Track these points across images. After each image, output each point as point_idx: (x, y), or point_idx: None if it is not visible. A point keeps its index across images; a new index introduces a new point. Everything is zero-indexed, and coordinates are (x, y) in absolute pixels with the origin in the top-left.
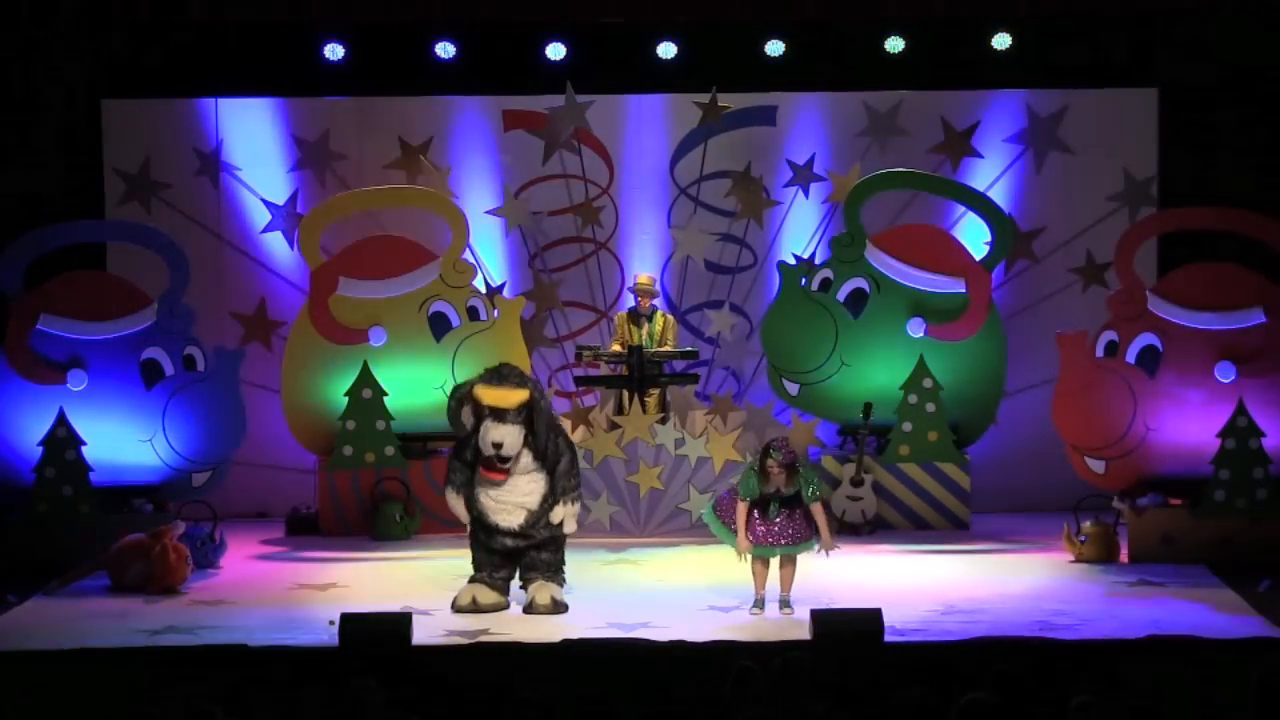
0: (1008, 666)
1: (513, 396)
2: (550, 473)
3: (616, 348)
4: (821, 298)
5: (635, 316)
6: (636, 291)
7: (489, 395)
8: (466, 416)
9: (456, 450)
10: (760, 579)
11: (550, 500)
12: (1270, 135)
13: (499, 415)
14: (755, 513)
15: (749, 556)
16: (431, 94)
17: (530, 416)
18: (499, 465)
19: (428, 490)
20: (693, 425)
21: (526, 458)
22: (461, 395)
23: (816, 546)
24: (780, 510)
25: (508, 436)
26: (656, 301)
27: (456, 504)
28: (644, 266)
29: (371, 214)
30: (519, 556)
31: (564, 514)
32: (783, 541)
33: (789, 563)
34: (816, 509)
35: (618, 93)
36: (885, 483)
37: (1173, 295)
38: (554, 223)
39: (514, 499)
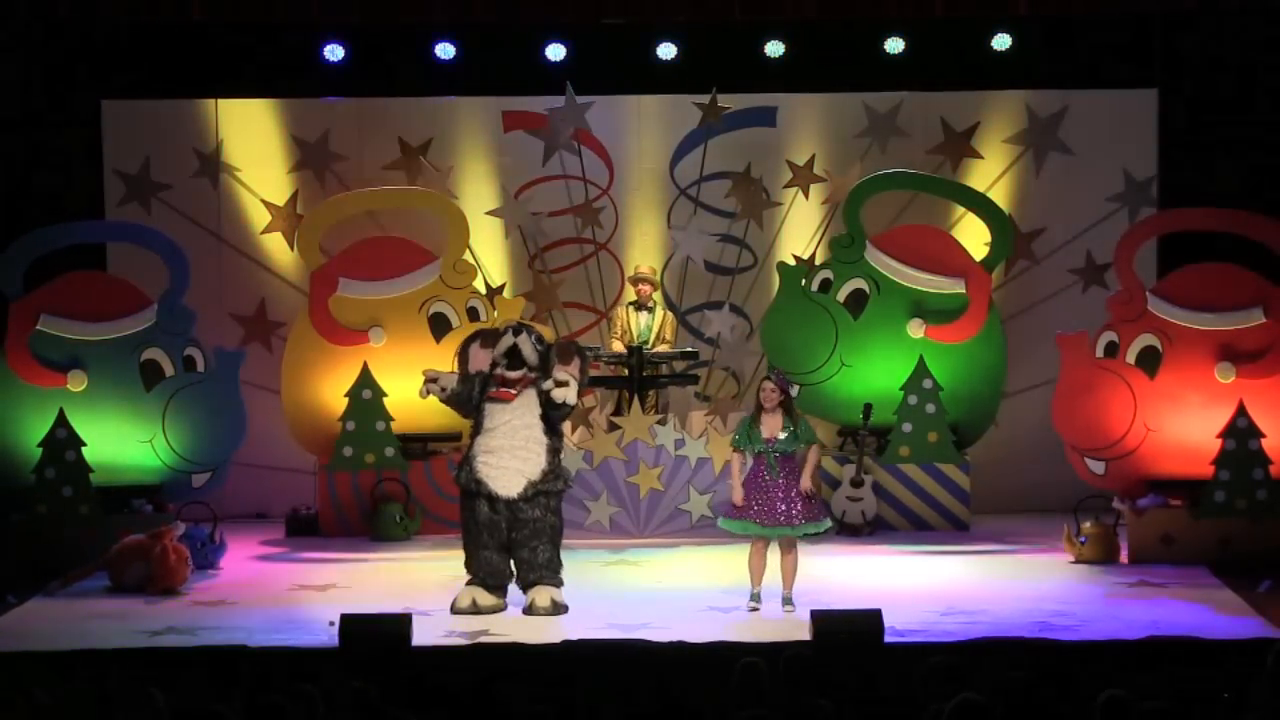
0: (1005, 668)
1: (538, 326)
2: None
3: (616, 345)
4: (821, 298)
5: (636, 306)
6: (633, 280)
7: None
8: (476, 356)
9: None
10: (758, 571)
11: (548, 472)
12: (1269, 136)
13: (520, 328)
14: (756, 482)
15: (750, 548)
16: (431, 95)
17: (547, 359)
18: (510, 373)
19: (428, 491)
20: (692, 426)
21: (532, 403)
22: (483, 330)
23: (820, 530)
24: (779, 470)
25: (525, 339)
26: (656, 295)
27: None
28: (645, 261)
29: (371, 215)
30: (513, 549)
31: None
32: (780, 521)
33: (790, 553)
34: (812, 452)
35: (618, 93)
36: (885, 483)
37: (1172, 296)
38: (554, 223)
39: (514, 464)
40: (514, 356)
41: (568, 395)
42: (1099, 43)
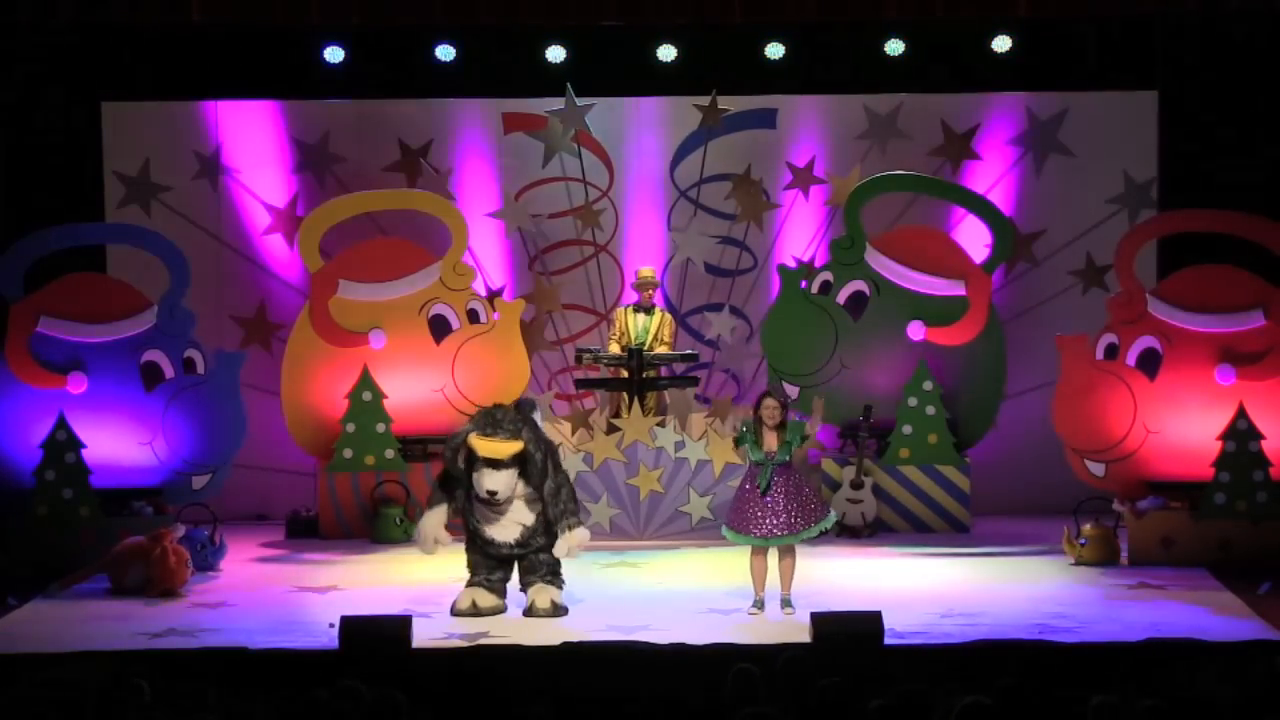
0: (1007, 671)
1: (506, 448)
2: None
3: (615, 348)
4: (821, 300)
5: (636, 308)
6: (639, 285)
7: (483, 447)
8: (461, 460)
9: (443, 478)
10: (759, 579)
11: (544, 518)
12: (1269, 138)
13: (493, 464)
14: (751, 496)
15: (750, 553)
16: (431, 96)
17: (524, 462)
18: (493, 506)
19: (428, 493)
20: (692, 428)
21: (521, 488)
22: (456, 446)
23: (816, 534)
24: (776, 482)
25: (501, 484)
26: (655, 297)
27: (428, 521)
28: (644, 263)
29: (371, 217)
30: (517, 560)
31: (566, 544)
32: (779, 531)
33: (788, 555)
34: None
35: (617, 95)
36: (885, 485)
37: (1172, 298)
38: (554, 225)
39: (511, 516)
40: (493, 494)
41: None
42: (1099, 45)
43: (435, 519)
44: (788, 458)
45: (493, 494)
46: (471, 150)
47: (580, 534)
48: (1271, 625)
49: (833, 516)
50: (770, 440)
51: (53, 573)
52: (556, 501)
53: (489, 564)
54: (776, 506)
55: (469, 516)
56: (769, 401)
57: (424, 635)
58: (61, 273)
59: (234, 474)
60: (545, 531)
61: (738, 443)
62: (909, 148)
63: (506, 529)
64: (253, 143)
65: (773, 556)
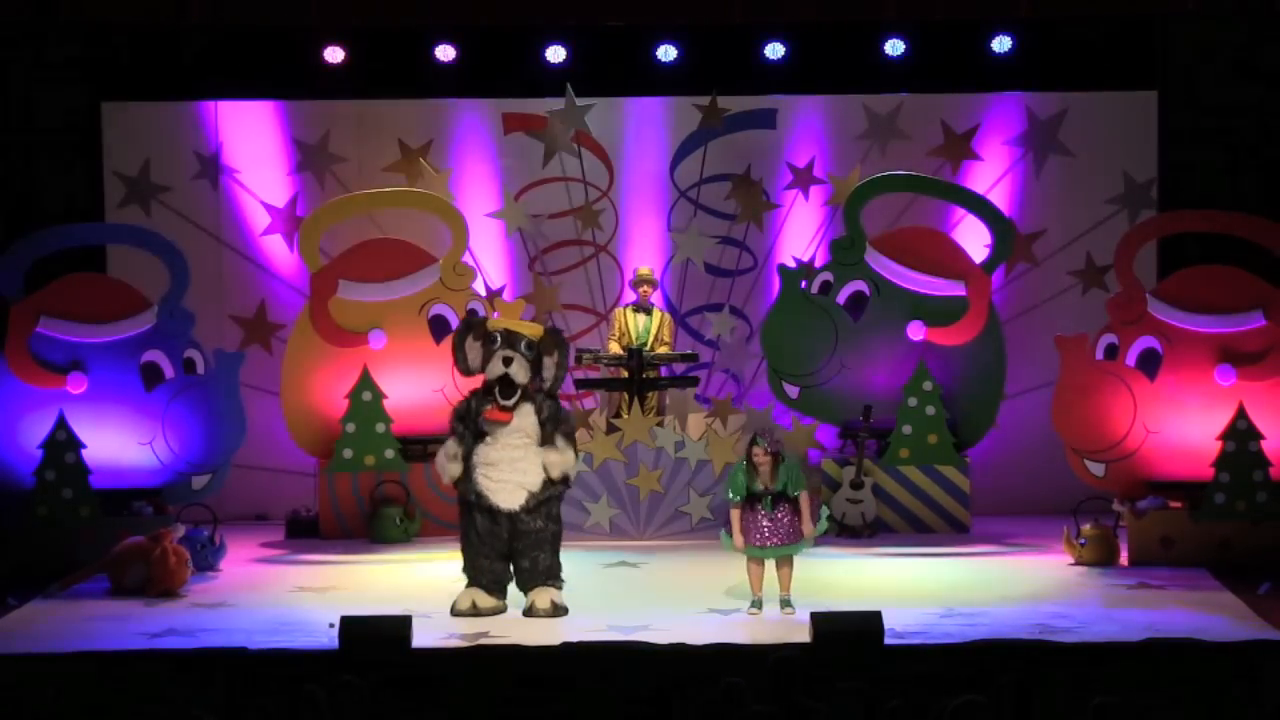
0: (1007, 671)
1: (526, 327)
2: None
3: (614, 347)
4: (821, 301)
5: (635, 308)
6: (637, 283)
7: (502, 323)
8: (472, 350)
9: (457, 413)
10: (756, 579)
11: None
12: (1269, 138)
13: (510, 342)
14: (751, 510)
15: (746, 558)
16: (431, 97)
17: (539, 357)
18: (504, 401)
19: (427, 493)
20: (691, 428)
21: (529, 417)
22: (472, 322)
23: (799, 550)
24: (775, 507)
25: (517, 362)
26: (655, 297)
27: (450, 465)
28: (644, 262)
29: (371, 217)
30: (514, 558)
31: (561, 460)
32: (775, 542)
33: (786, 562)
34: (803, 498)
35: (618, 95)
36: (885, 485)
37: (1172, 298)
38: (554, 225)
39: (515, 478)
40: (507, 385)
41: (564, 468)
42: (1099, 44)
43: (455, 464)
44: (783, 487)
45: (509, 362)
46: (471, 150)
47: (566, 456)
48: (1271, 625)
49: (805, 544)
50: (765, 478)
51: (53, 573)
52: (558, 421)
53: (488, 566)
54: (773, 528)
55: (470, 484)
56: (756, 451)
57: (424, 635)
58: (61, 273)
59: (234, 474)
60: (545, 514)
61: (731, 500)
62: (909, 148)
63: (510, 493)
64: (253, 143)
65: (770, 562)
